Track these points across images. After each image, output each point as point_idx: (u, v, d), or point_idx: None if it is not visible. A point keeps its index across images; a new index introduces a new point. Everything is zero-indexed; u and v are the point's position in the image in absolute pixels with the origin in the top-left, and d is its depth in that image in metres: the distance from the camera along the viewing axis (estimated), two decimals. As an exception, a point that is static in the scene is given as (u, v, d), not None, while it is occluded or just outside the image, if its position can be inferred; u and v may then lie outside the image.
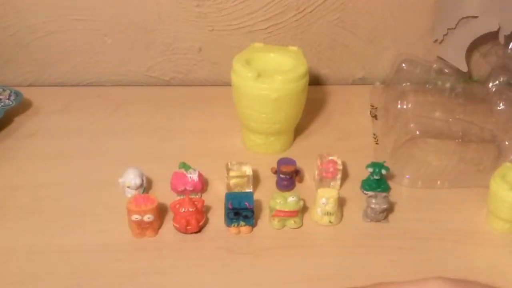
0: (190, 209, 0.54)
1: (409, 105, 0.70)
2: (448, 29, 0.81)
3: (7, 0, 0.78)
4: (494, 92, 0.73)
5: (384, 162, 0.61)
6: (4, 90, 0.76)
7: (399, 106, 0.70)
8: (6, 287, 0.49)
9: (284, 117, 0.65)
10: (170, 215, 0.57)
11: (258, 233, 0.56)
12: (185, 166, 0.60)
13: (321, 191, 0.56)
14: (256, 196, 0.57)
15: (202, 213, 0.56)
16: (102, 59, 0.84)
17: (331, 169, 0.61)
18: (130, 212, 0.53)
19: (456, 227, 0.58)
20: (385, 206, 0.56)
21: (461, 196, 0.62)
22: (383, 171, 0.60)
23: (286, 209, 0.55)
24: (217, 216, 0.57)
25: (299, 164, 0.63)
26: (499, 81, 0.74)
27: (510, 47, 0.76)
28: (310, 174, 0.64)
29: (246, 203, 0.54)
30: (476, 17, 0.78)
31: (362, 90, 0.84)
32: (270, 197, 0.56)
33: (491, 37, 0.79)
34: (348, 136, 0.73)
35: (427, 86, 0.75)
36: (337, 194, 0.56)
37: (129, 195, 0.59)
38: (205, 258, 0.53)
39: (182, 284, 0.50)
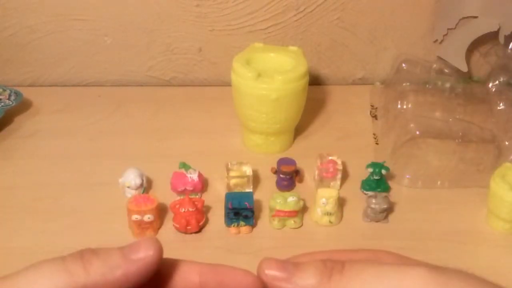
0: (190, 209, 0.54)
1: (409, 105, 0.70)
2: (448, 29, 0.80)
3: (7, 0, 0.78)
4: (494, 92, 0.73)
5: (384, 162, 0.61)
6: (4, 90, 0.76)
7: (399, 106, 0.70)
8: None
9: (284, 117, 0.65)
10: (170, 215, 0.57)
11: (258, 233, 0.56)
12: (185, 166, 0.60)
13: (321, 191, 0.56)
14: (256, 196, 0.57)
15: (202, 213, 0.56)
16: (102, 59, 0.84)
17: (331, 169, 0.61)
18: (130, 212, 0.53)
19: (456, 227, 0.58)
20: (385, 206, 0.56)
21: (461, 196, 0.62)
22: (383, 171, 0.60)
23: (286, 209, 0.55)
24: (217, 216, 0.57)
25: (299, 164, 0.63)
26: (499, 81, 0.74)
27: (510, 47, 0.76)
28: (310, 174, 0.64)
29: (246, 203, 0.54)
30: (476, 17, 0.78)
31: (362, 90, 0.84)
32: (270, 197, 0.56)
33: (491, 37, 0.79)
34: (348, 136, 0.73)
35: (427, 86, 0.75)
36: (337, 194, 0.56)
37: (129, 195, 0.59)
38: (205, 258, 0.52)
39: (182, 284, 0.49)
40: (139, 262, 0.24)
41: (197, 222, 0.55)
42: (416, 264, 0.24)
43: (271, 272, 0.24)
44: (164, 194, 0.59)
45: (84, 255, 0.24)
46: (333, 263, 0.24)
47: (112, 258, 0.24)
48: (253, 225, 0.56)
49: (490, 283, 0.23)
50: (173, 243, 0.54)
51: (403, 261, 0.26)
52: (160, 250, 0.25)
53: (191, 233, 0.55)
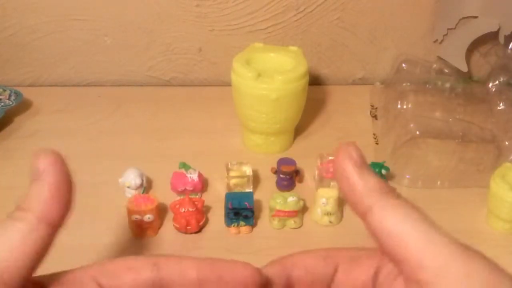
0: (190, 209, 0.54)
1: (409, 105, 0.70)
2: (448, 29, 0.80)
3: (7, 0, 0.78)
4: (494, 92, 0.73)
5: (384, 162, 0.61)
6: (4, 90, 0.76)
7: (399, 106, 0.70)
8: (6, 287, 0.49)
9: (284, 117, 0.65)
10: (170, 215, 0.57)
11: (258, 233, 0.56)
12: (185, 166, 0.60)
13: (321, 191, 0.56)
14: (256, 196, 0.57)
15: (202, 213, 0.56)
16: (102, 59, 0.84)
17: (331, 169, 0.61)
18: (130, 212, 0.53)
19: (456, 227, 0.57)
20: (385, 206, 0.56)
21: (461, 196, 0.62)
22: (383, 171, 0.60)
23: (286, 209, 0.55)
24: (217, 216, 0.57)
25: (299, 164, 0.63)
26: (499, 81, 0.74)
27: (510, 47, 0.76)
28: (310, 174, 0.64)
29: (246, 203, 0.54)
30: (476, 17, 0.78)
31: (362, 90, 0.84)
32: (270, 197, 0.56)
33: (491, 37, 0.79)
34: (348, 136, 0.73)
35: (427, 86, 0.75)
36: (337, 194, 0.56)
37: (129, 195, 0.59)
38: (205, 258, 0.53)
39: (182, 284, 0.49)
40: None
41: (197, 222, 0.55)
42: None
43: (348, 167, 0.25)
44: (164, 194, 0.59)
45: None
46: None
47: None
48: (253, 225, 0.56)
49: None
50: (173, 243, 0.54)
51: None
52: None
53: (191, 233, 0.55)
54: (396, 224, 0.24)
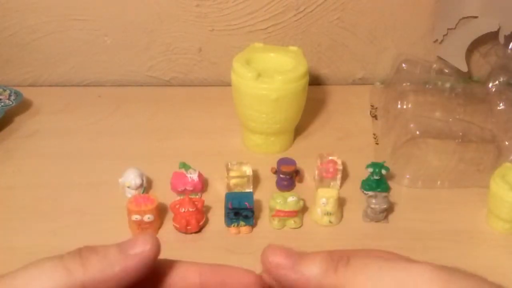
0: (190, 209, 0.54)
1: (409, 105, 0.70)
2: (448, 29, 0.80)
3: (7, 0, 0.78)
4: (494, 92, 0.73)
5: (384, 162, 0.61)
6: (4, 90, 0.76)
7: (399, 106, 0.70)
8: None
9: (284, 117, 0.65)
10: (170, 215, 0.57)
11: (258, 233, 0.56)
12: (185, 166, 0.60)
13: (321, 191, 0.56)
14: (256, 196, 0.57)
15: (202, 213, 0.56)
16: (102, 59, 0.84)
17: (331, 169, 0.61)
18: (130, 212, 0.53)
19: (456, 227, 0.58)
20: (385, 206, 0.56)
21: (461, 196, 0.62)
22: (383, 171, 0.60)
23: (286, 209, 0.55)
24: (217, 216, 0.57)
25: (299, 164, 0.63)
26: (499, 81, 0.74)
27: (510, 47, 0.76)
28: (310, 174, 0.64)
29: (246, 203, 0.54)
30: (476, 17, 0.78)
31: (362, 90, 0.84)
32: (270, 197, 0.56)
33: (491, 37, 0.79)
34: (348, 136, 0.73)
35: (427, 86, 0.75)
36: (337, 194, 0.56)
37: (129, 195, 0.59)
38: (205, 258, 0.52)
39: (182, 284, 0.49)
40: (137, 257, 0.24)
41: (197, 222, 0.55)
42: (419, 261, 0.23)
43: (275, 259, 0.24)
44: (164, 194, 0.59)
45: (82, 252, 0.24)
46: (339, 256, 0.24)
47: (110, 255, 0.24)
48: (253, 225, 0.56)
49: (493, 283, 0.23)
50: (173, 243, 0.54)
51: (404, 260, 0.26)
52: (157, 244, 0.25)
53: (191, 233, 0.55)
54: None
